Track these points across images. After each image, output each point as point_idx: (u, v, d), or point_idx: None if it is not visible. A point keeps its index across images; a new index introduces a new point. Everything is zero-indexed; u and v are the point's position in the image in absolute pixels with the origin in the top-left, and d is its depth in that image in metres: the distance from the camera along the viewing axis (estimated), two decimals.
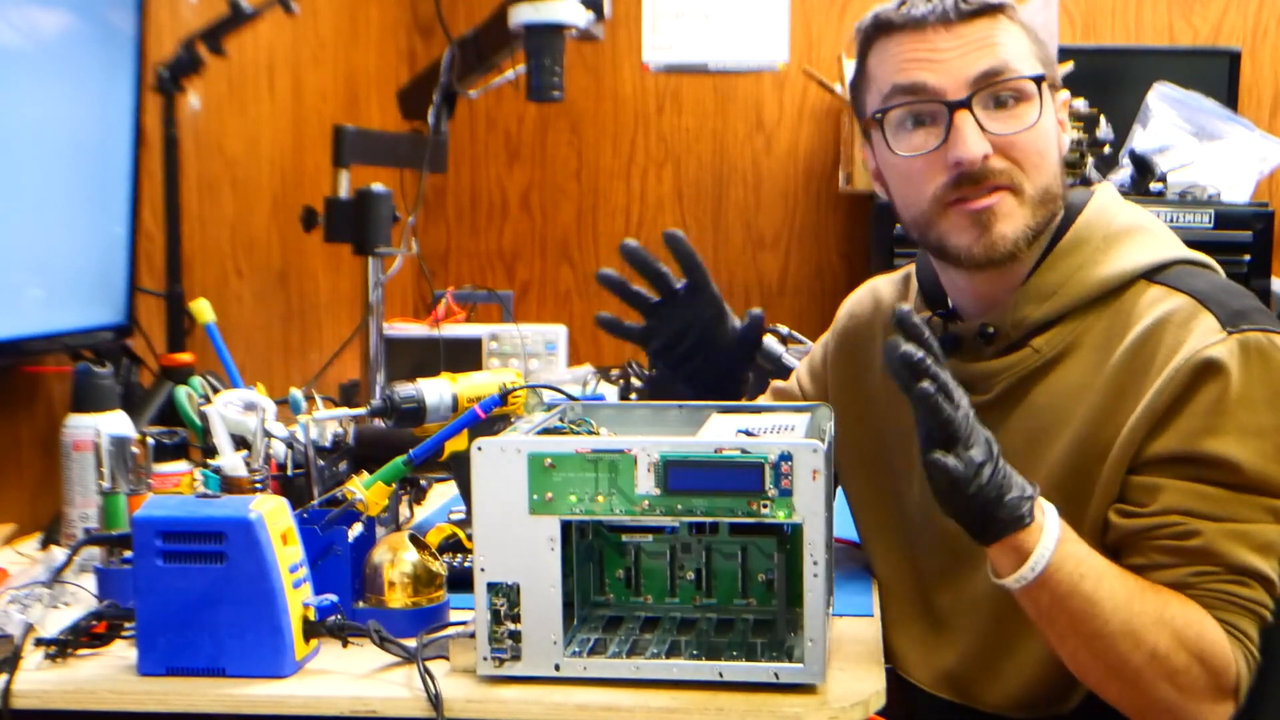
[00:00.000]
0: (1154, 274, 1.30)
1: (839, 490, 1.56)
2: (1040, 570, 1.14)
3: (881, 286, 1.56)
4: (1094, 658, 1.18)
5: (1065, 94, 1.36)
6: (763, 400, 1.69)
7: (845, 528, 1.57)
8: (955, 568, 1.38)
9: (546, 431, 1.21)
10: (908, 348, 1.09)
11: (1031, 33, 1.32)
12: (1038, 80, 1.29)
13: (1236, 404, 1.20)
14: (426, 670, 1.12)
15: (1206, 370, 1.20)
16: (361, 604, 1.28)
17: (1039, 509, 1.14)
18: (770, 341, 1.96)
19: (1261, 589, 1.21)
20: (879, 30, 1.33)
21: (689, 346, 1.51)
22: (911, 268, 1.53)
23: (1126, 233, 1.34)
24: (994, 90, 1.28)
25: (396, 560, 1.27)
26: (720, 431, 1.24)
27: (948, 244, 1.32)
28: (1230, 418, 1.20)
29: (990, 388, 1.34)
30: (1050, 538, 1.14)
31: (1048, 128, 1.31)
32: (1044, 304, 1.32)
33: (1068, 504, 1.25)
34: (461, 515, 1.65)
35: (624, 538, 1.25)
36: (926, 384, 1.08)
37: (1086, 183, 1.38)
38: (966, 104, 1.27)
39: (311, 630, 1.18)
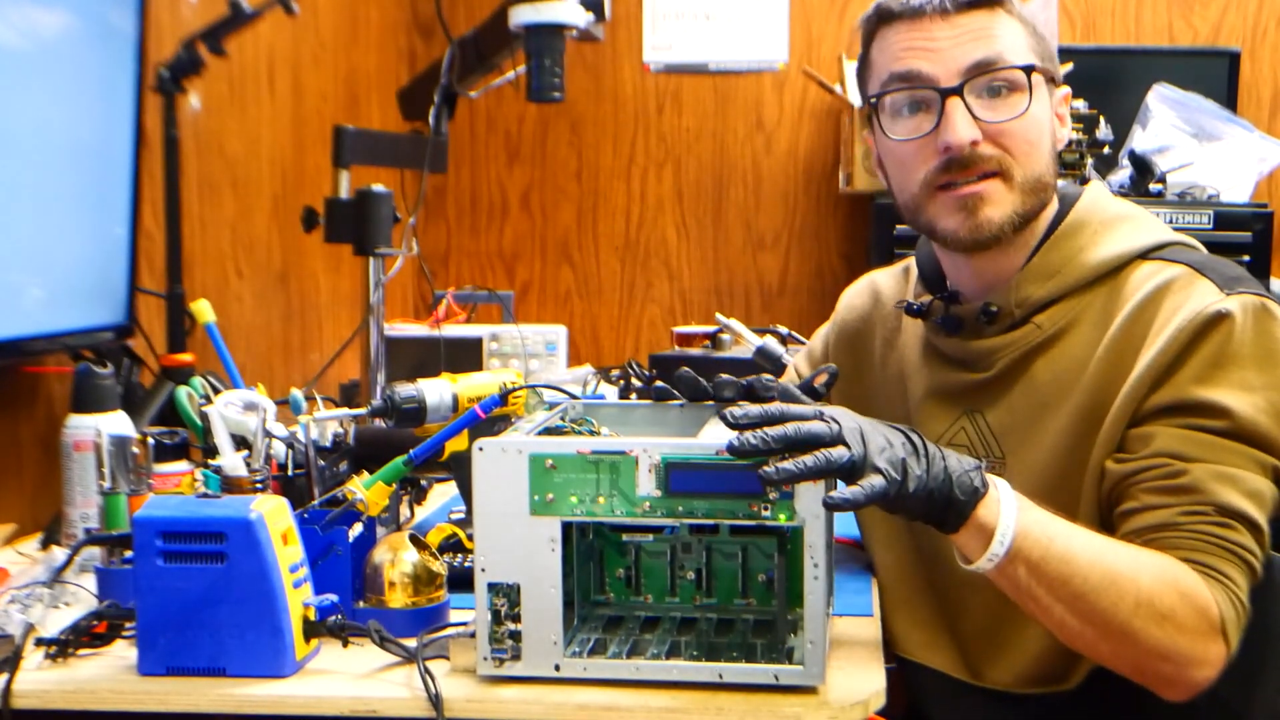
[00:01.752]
0: (1148, 254, 1.34)
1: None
2: (1009, 543, 1.13)
3: (880, 279, 1.60)
4: (1082, 620, 1.17)
5: (1065, 90, 1.40)
6: None
7: (845, 527, 1.57)
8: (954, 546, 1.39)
9: (547, 432, 1.22)
10: (730, 440, 1.06)
11: (1030, 27, 1.36)
12: (1028, 70, 1.33)
13: (1233, 357, 1.23)
14: (427, 670, 1.12)
15: (1211, 323, 1.23)
16: (362, 604, 1.28)
17: (990, 480, 1.14)
18: (770, 342, 1.96)
19: (1248, 534, 1.21)
20: (881, 20, 1.37)
21: None
22: (910, 260, 1.56)
23: (1122, 218, 1.39)
24: (986, 79, 1.32)
25: (397, 560, 1.27)
26: (721, 433, 1.24)
27: (936, 227, 1.36)
28: (1226, 370, 1.23)
29: (992, 364, 1.38)
30: (1009, 508, 1.13)
31: (1039, 117, 1.34)
32: (1047, 283, 1.35)
33: (1073, 470, 1.29)
34: (462, 515, 1.65)
35: (624, 537, 1.25)
36: (769, 468, 1.05)
37: (1084, 182, 1.41)
38: (958, 91, 1.31)
39: (312, 630, 1.18)
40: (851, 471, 1.07)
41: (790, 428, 1.06)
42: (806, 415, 1.08)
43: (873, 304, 1.57)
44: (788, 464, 1.04)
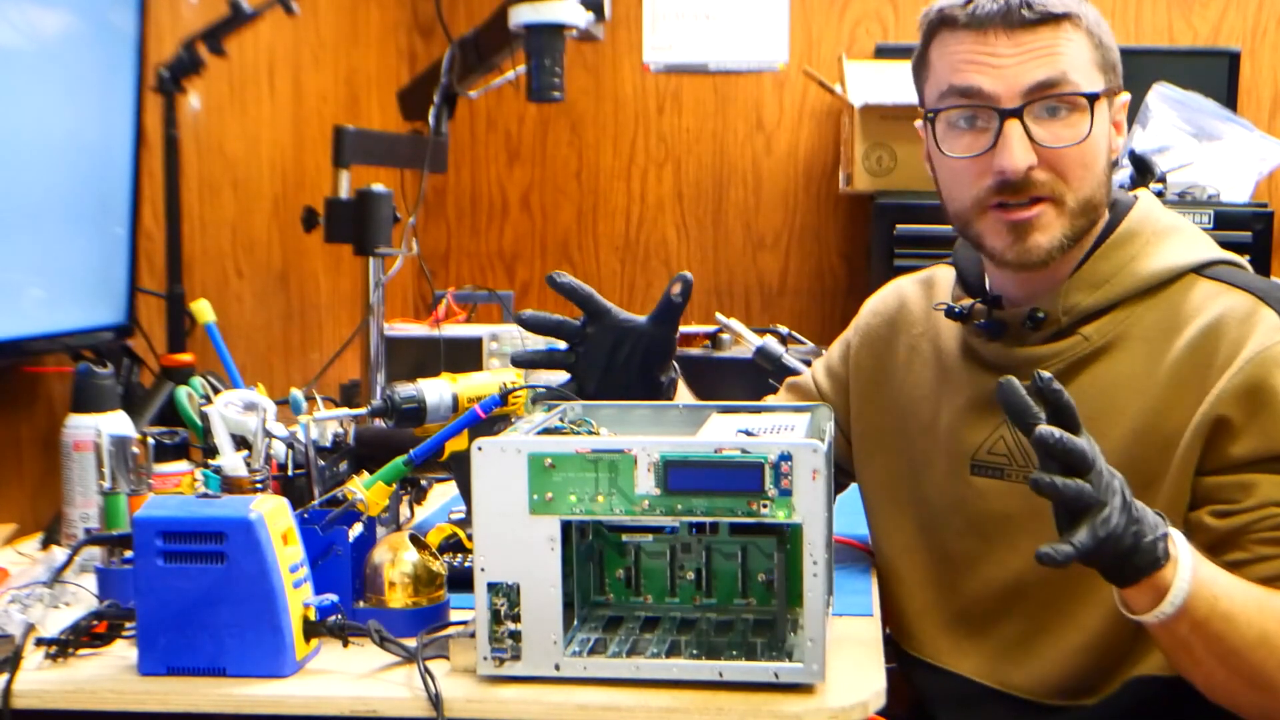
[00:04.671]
0: (1201, 269, 1.33)
1: (854, 484, 1.57)
2: (1179, 604, 1.13)
3: (905, 286, 1.58)
4: (1230, 672, 1.19)
5: (1126, 95, 1.36)
6: (775, 398, 1.70)
7: (845, 527, 1.57)
8: (987, 553, 1.39)
9: (546, 431, 1.22)
10: (1043, 430, 1.07)
11: (1096, 38, 1.33)
12: (1091, 98, 1.30)
13: None
14: (427, 670, 1.12)
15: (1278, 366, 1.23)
16: (362, 604, 1.28)
17: (1171, 543, 1.13)
18: (770, 342, 1.96)
19: None
20: (943, 23, 1.34)
21: (621, 361, 1.46)
22: (932, 271, 1.55)
23: (1174, 230, 1.37)
24: (1047, 102, 1.29)
25: (397, 560, 1.27)
26: (720, 431, 1.24)
27: (984, 244, 1.35)
28: None
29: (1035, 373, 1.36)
30: (1186, 569, 1.13)
31: (1098, 140, 1.32)
32: (1095, 292, 1.33)
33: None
34: (461, 515, 1.65)
35: (624, 538, 1.25)
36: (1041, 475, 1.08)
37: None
38: (1018, 114, 1.28)
39: (312, 630, 1.18)
40: (1077, 513, 1.08)
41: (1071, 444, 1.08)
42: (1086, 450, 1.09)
43: (898, 310, 1.55)
44: (1055, 479, 1.07)
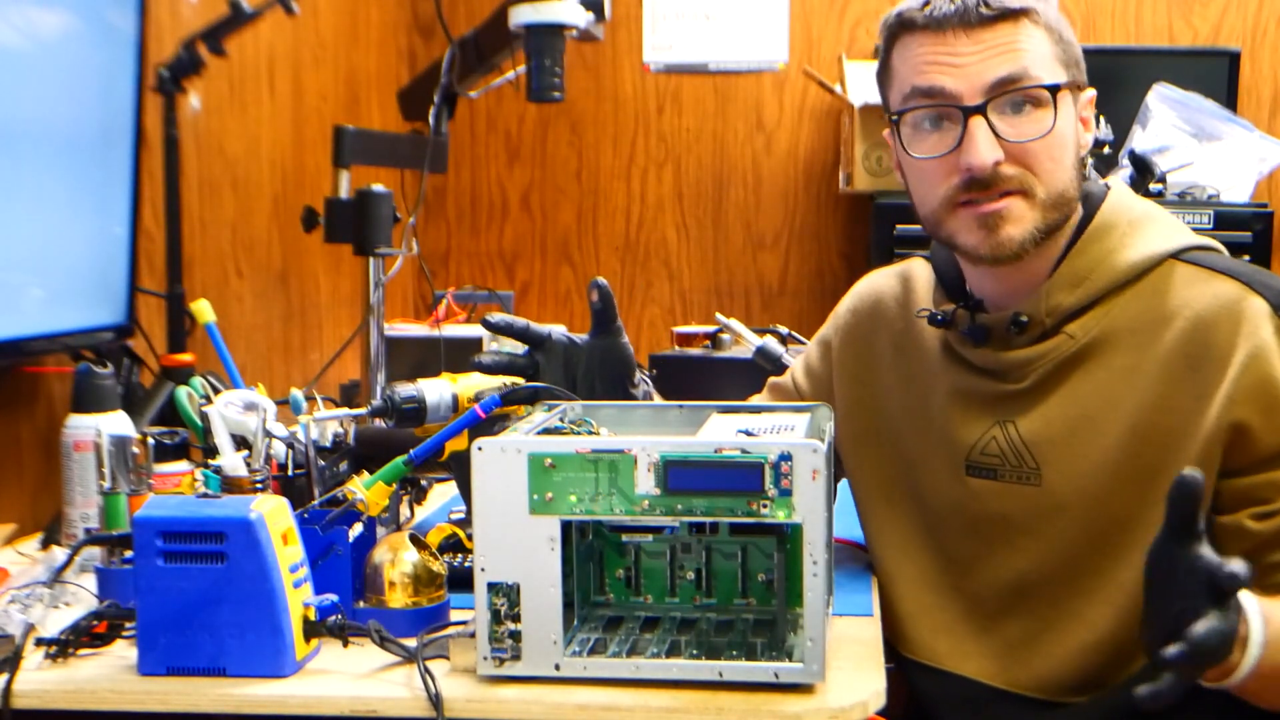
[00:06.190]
0: (1179, 255, 1.33)
1: (843, 485, 1.57)
2: (1245, 673, 1.11)
3: (881, 282, 1.57)
4: None
5: (1091, 92, 1.36)
6: (759, 397, 1.69)
7: (845, 528, 1.57)
8: (988, 553, 1.39)
9: (547, 431, 1.22)
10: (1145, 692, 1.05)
11: (1056, 33, 1.33)
12: (1053, 89, 1.30)
13: None
14: (427, 670, 1.12)
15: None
16: (362, 604, 1.28)
17: (1242, 622, 1.10)
18: (770, 342, 1.96)
19: None
20: (902, 27, 1.34)
21: (580, 379, 1.50)
22: (908, 265, 1.54)
23: (1149, 218, 1.37)
24: (1010, 97, 1.30)
25: (397, 560, 1.27)
26: (720, 431, 1.24)
27: (956, 242, 1.35)
28: None
29: (1025, 376, 1.36)
30: (1255, 645, 1.10)
31: (1064, 133, 1.32)
32: (1077, 289, 1.33)
33: (1129, 489, 1.28)
34: (462, 515, 1.65)
35: (624, 538, 1.25)
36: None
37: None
38: (981, 110, 1.29)
39: (312, 630, 1.18)
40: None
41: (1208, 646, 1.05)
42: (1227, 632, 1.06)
43: (876, 308, 1.54)
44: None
